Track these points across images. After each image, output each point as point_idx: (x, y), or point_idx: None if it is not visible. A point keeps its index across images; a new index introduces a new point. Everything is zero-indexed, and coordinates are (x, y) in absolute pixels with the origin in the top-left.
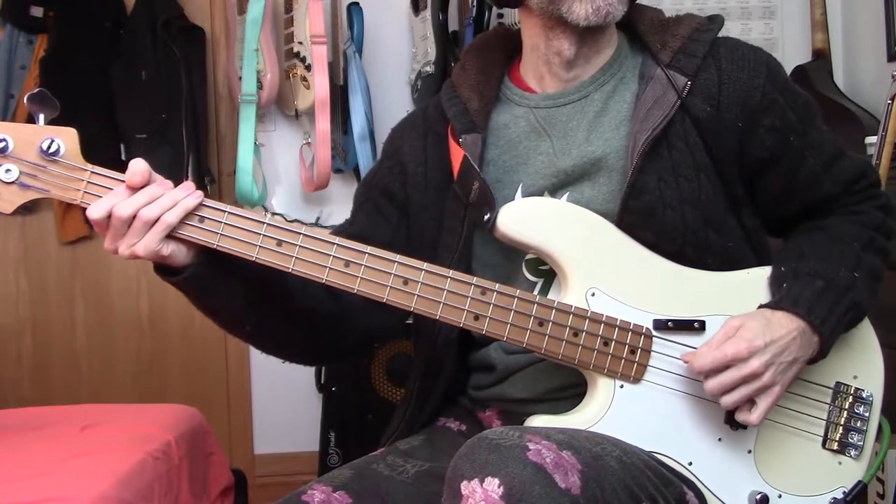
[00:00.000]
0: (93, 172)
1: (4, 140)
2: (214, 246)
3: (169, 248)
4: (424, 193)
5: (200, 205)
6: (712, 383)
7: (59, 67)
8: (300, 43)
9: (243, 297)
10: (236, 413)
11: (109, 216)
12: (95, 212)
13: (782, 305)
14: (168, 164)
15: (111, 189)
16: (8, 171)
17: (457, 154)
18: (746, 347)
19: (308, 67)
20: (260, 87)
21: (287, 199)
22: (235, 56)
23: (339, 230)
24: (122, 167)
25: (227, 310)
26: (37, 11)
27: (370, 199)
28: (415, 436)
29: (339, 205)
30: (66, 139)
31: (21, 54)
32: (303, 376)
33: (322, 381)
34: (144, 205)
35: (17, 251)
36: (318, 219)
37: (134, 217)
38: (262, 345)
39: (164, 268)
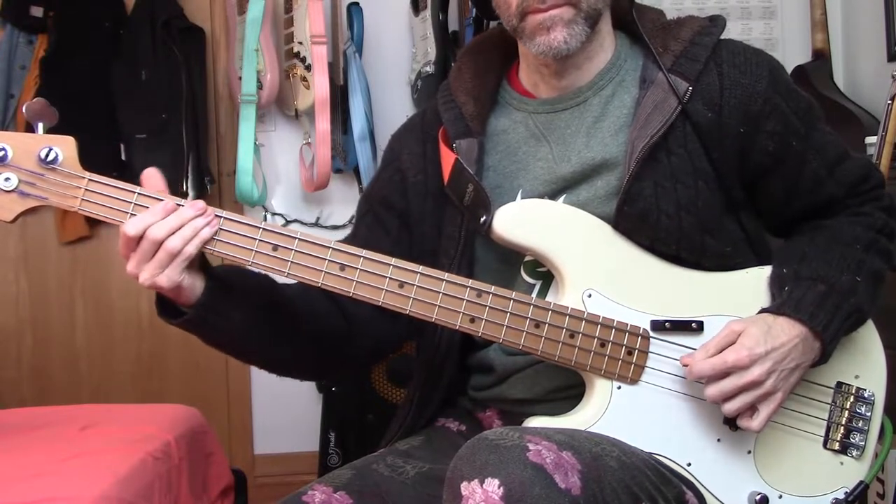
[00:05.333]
0: (90, 180)
1: (3, 149)
2: (211, 251)
3: (188, 280)
4: (425, 201)
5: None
6: (713, 390)
7: (59, 67)
8: (300, 43)
9: (248, 328)
10: (236, 413)
11: (142, 235)
12: (132, 228)
13: (784, 311)
14: (168, 164)
15: (109, 196)
16: (7, 179)
17: (447, 158)
18: (748, 355)
19: (308, 67)
20: (260, 87)
21: (287, 199)
22: (235, 56)
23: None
24: (122, 167)
25: (234, 343)
26: (37, 11)
27: (371, 211)
28: (414, 436)
29: (339, 205)
30: (64, 147)
31: (21, 54)
32: None
33: (322, 382)
34: (175, 229)
35: (17, 251)
36: (318, 219)
37: (161, 243)
38: (273, 370)
39: (167, 310)
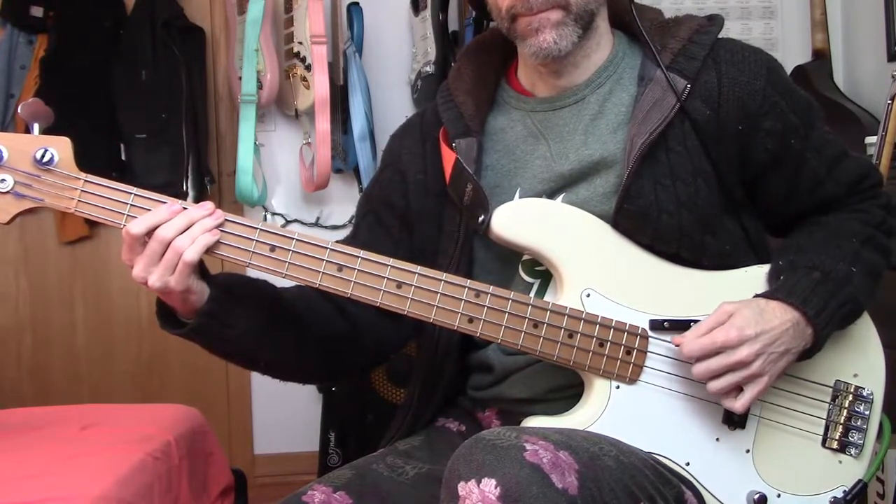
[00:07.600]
0: (86, 181)
1: None
2: (209, 252)
3: (197, 284)
4: (425, 200)
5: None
6: (700, 368)
7: (59, 67)
8: (300, 43)
9: (253, 336)
10: (236, 413)
11: (149, 236)
12: (137, 227)
13: (777, 295)
14: (168, 164)
15: (106, 197)
16: (3, 180)
17: (448, 158)
18: (737, 335)
19: (308, 67)
20: (260, 87)
21: (287, 199)
22: (235, 56)
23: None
24: (121, 167)
25: (238, 351)
26: (37, 11)
27: (371, 212)
28: (414, 436)
29: (339, 205)
30: (60, 148)
31: (21, 54)
32: None
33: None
34: (184, 229)
35: (17, 251)
36: (318, 219)
37: (170, 243)
38: (277, 375)
39: (168, 321)
